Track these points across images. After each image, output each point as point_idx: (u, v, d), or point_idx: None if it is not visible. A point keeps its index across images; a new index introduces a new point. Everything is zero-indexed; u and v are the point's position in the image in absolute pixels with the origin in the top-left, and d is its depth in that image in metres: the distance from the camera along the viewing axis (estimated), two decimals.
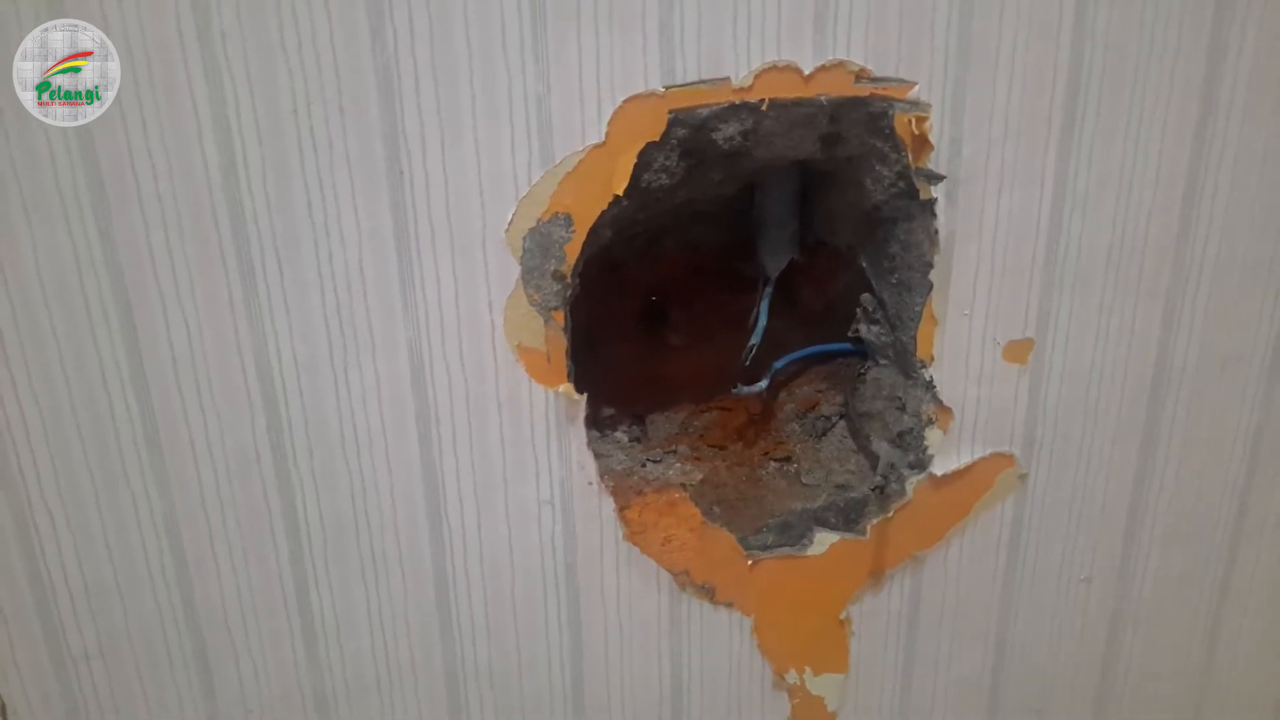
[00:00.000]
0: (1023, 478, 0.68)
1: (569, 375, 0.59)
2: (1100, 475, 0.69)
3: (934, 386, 0.64)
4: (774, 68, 0.54)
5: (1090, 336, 0.65)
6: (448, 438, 0.59)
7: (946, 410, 0.64)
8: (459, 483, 0.60)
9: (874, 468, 0.68)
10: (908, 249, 0.61)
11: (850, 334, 0.69)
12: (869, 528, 0.67)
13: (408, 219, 0.54)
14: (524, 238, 0.55)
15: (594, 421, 0.67)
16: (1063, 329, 0.64)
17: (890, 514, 0.67)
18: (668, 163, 0.56)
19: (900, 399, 0.66)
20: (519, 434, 0.60)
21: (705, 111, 0.54)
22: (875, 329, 0.67)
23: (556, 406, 0.60)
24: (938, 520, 0.68)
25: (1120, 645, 0.76)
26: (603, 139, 0.54)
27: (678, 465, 0.67)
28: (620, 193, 0.55)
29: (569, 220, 0.55)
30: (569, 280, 0.57)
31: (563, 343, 0.58)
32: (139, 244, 0.51)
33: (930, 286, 0.61)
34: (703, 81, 0.54)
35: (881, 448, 0.67)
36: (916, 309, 0.62)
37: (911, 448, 0.66)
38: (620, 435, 0.68)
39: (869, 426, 0.69)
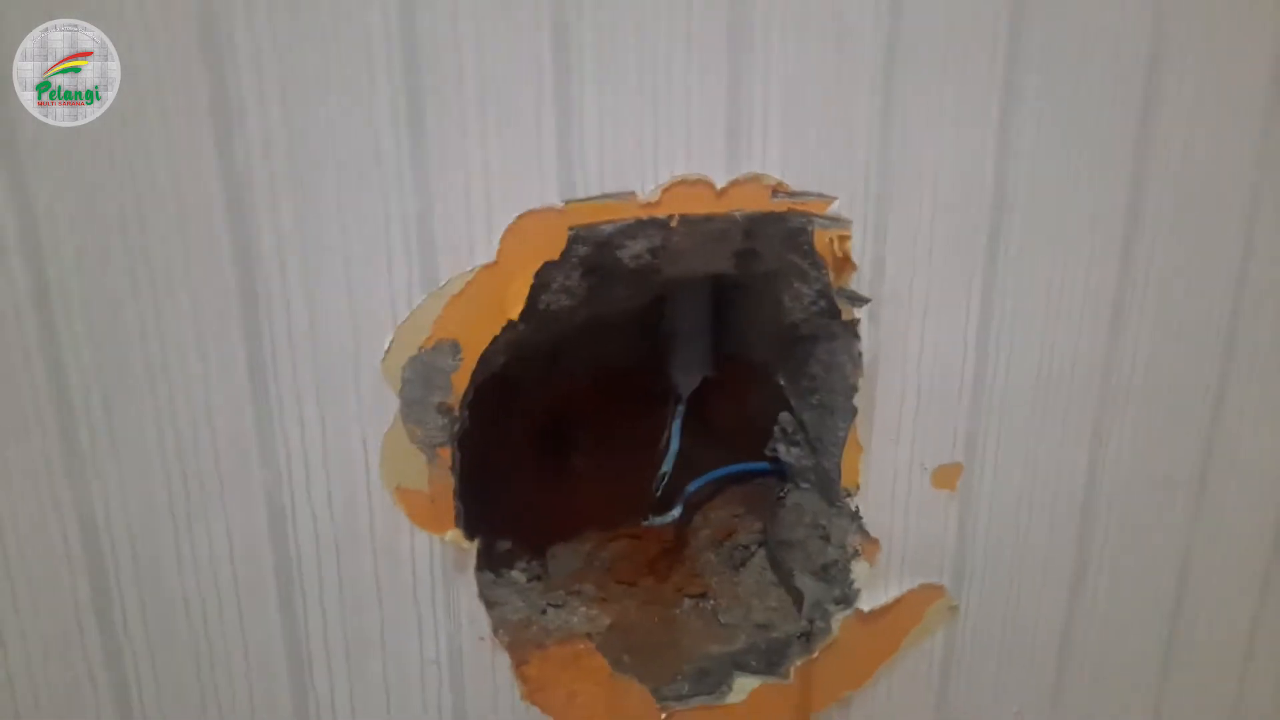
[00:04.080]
0: (953, 609, 0.63)
1: (458, 519, 0.52)
2: (1032, 604, 0.65)
3: (860, 516, 0.59)
4: (684, 181, 0.49)
5: (1019, 461, 0.61)
6: (313, 594, 0.51)
7: (873, 542, 0.59)
8: (328, 646, 0.52)
9: (796, 603, 0.62)
10: (830, 370, 0.57)
11: (767, 453, 0.64)
12: (793, 670, 0.61)
13: (264, 348, 0.46)
14: (403, 368, 0.48)
15: (488, 559, 0.59)
16: (991, 453, 0.60)
17: (815, 654, 0.61)
18: (568, 282, 0.50)
19: (823, 527, 0.61)
20: (399, 587, 0.52)
21: (609, 228, 0.49)
22: (795, 451, 0.62)
23: (443, 554, 0.52)
24: (866, 658, 0.63)
25: None
26: (494, 258, 0.47)
27: (583, 610, 0.60)
28: (515, 317, 0.48)
29: (456, 348, 0.49)
30: (457, 413, 0.50)
31: (450, 483, 0.51)
32: None
33: (854, 411, 0.56)
34: (606, 196, 0.48)
35: (805, 583, 0.61)
36: (840, 434, 0.57)
37: (837, 582, 0.61)
38: (517, 574, 0.60)
39: (790, 558, 0.63)
